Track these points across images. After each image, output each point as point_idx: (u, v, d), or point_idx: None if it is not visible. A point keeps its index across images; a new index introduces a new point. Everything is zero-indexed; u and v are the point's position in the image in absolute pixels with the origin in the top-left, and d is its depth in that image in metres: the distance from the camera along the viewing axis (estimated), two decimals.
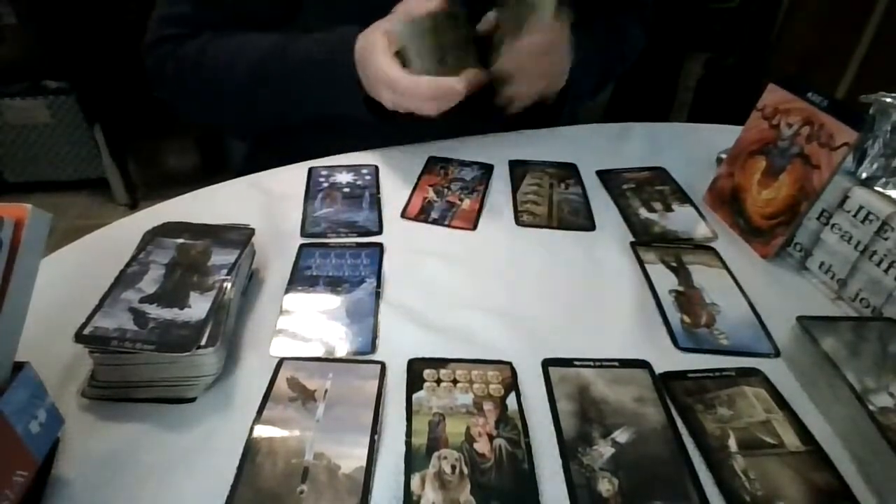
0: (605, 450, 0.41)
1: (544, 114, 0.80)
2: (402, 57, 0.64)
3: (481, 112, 0.72)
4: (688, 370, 0.48)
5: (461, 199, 0.69)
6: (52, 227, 0.36)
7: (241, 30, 0.74)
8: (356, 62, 0.67)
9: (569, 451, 0.41)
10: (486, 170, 0.74)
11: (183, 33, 0.75)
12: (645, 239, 0.64)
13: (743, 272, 0.59)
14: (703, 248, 0.62)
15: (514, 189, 0.71)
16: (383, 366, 0.46)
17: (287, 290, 0.54)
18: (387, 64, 0.62)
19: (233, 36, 0.74)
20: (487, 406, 0.43)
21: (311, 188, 0.69)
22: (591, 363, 0.48)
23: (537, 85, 0.73)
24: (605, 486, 0.39)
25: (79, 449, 0.40)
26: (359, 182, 0.71)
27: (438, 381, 0.45)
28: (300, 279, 0.55)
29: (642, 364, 0.48)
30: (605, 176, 0.75)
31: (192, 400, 0.44)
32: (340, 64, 0.68)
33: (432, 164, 0.75)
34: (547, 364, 0.48)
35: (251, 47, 0.73)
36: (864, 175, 0.55)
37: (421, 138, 0.80)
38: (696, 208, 0.69)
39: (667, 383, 0.46)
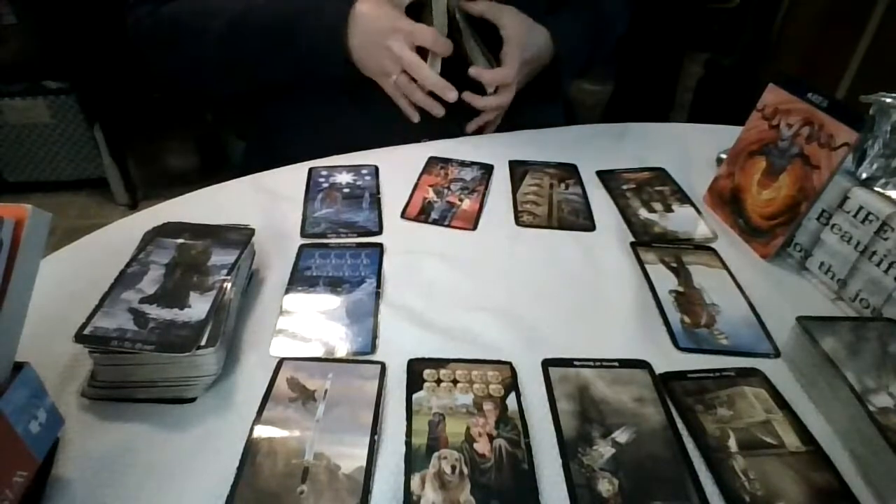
0: (605, 450, 0.41)
1: (545, 89, 0.84)
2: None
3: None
4: (688, 370, 0.48)
5: (461, 199, 0.69)
6: (52, 227, 0.36)
7: None
8: (352, 24, 0.71)
9: (569, 451, 0.41)
10: (486, 170, 0.74)
11: None
12: (645, 239, 0.64)
13: (743, 272, 0.59)
14: (703, 248, 0.62)
15: (514, 189, 0.71)
16: (383, 366, 0.46)
17: (287, 291, 0.54)
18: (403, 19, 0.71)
19: None
20: (487, 406, 0.43)
21: (311, 188, 0.69)
22: (591, 363, 0.48)
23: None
24: (605, 486, 0.39)
25: (79, 449, 0.40)
26: (359, 182, 0.71)
27: (438, 381, 0.45)
28: (300, 279, 0.55)
29: (642, 364, 0.48)
30: (605, 176, 0.75)
31: (192, 400, 0.44)
32: (328, 18, 0.71)
33: (432, 164, 0.75)
34: (547, 364, 0.48)
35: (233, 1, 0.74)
36: (864, 175, 0.55)
37: (421, 138, 0.80)
38: (696, 208, 0.69)
39: (667, 383, 0.46)
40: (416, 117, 0.76)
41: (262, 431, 0.41)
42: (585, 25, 0.85)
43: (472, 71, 0.75)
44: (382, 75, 0.73)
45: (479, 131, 0.83)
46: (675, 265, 0.60)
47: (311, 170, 0.72)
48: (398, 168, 0.73)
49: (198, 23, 0.75)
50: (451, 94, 0.72)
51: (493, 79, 0.75)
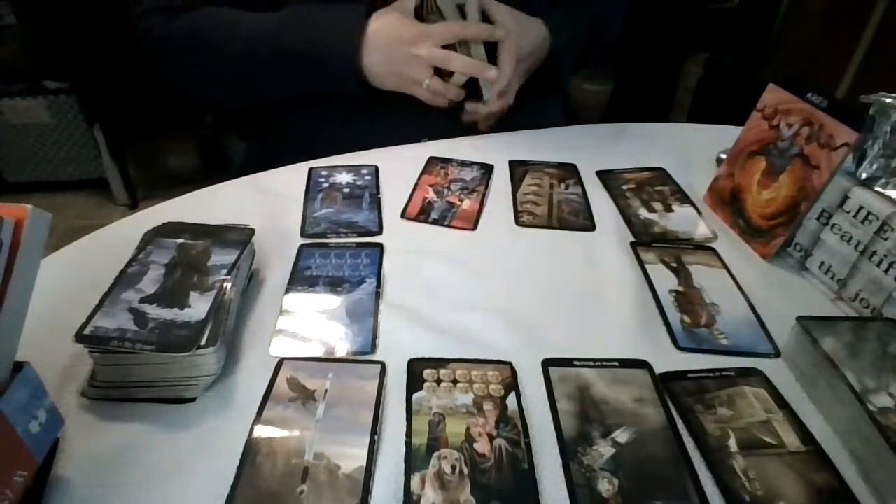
0: (605, 450, 0.41)
1: (543, 82, 0.84)
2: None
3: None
4: (688, 370, 0.48)
5: (461, 199, 0.69)
6: (52, 227, 0.36)
7: (233, 6, 0.75)
8: (368, 43, 0.71)
9: (569, 451, 0.41)
10: (486, 170, 0.74)
11: (175, 5, 0.76)
12: (645, 239, 0.64)
13: (743, 272, 0.59)
14: (703, 248, 0.62)
15: (514, 189, 0.71)
16: (383, 366, 0.46)
17: (287, 290, 0.54)
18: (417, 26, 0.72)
19: (230, 10, 0.75)
20: (487, 406, 0.43)
21: (311, 188, 0.69)
22: (591, 363, 0.48)
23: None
24: (605, 486, 0.39)
25: (79, 449, 0.40)
26: (359, 182, 0.71)
27: (438, 381, 0.45)
28: (300, 279, 0.55)
29: (642, 364, 0.48)
30: (605, 176, 0.75)
31: (192, 400, 0.44)
32: (341, 41, 0.71)
33: (432, 164, 0.75)
34: (547, 364, 0.48)
35: (251, 17, 0.74)
36: (864, 175, 0.55)
37: (421, 138, 0.80)
38: (696, 208, 0.69)
39: (667, 383, 0.46)
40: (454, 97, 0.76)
41: (262, 431, 0.41)
42: (581, 19, 0.86)
43: (469, 106, 0.77)
44: (413, 84, 0.73)
45: (474, 126, 0.83)
46: (675, 265, 0.60)
47: (311, 170, 0.72)
48: (398, 168, 0.73)
49: (212, 43, 0.74)
50: (490, 72, 0.72)
51: (493, 92, 0.76)
